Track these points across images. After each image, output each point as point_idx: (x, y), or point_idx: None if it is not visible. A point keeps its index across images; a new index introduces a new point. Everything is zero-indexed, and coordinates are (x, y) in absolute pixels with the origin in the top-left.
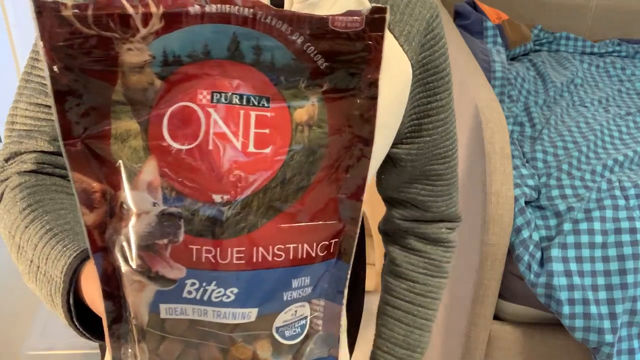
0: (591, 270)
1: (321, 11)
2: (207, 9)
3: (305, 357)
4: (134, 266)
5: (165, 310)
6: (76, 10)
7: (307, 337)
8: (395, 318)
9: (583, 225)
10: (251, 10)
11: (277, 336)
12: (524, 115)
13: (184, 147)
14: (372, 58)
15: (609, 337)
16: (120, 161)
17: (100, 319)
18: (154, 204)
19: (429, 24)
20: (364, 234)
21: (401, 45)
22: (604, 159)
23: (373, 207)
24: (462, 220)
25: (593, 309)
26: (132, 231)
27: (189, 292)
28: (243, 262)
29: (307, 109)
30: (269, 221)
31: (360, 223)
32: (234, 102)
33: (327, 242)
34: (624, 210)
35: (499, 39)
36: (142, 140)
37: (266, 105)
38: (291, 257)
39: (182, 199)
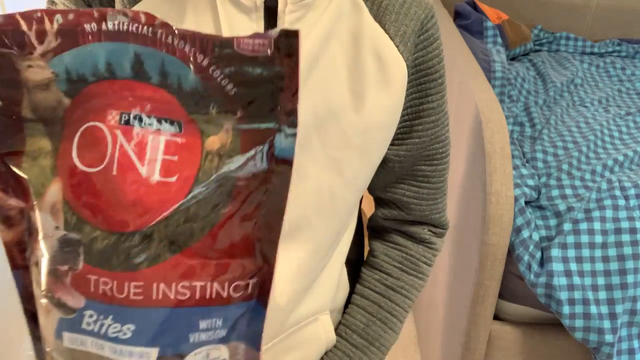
0: (591, 270)
1: (315, 13)
2: (104, 26)
3: None
4: (42, 289)
5: (68, 340)
6: None
7: None
8: (361, 306)
9: (583, 225)
10: (150, 28)
11: None
12: (524, 115)
13: (90, 170)
14: (287, 85)
15: (609, 337)
16: (29, 180)
17: None
18: (56, 228)
19: (423, 24)
20: (362, 233)
21: (397, 46)
22: (604, 159)
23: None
24: (449, 228)
25: (593, 309)
26: (39, 253)
27: (88, 324)
28: (141, 297)
29: (220, 136)
30: (172, 255)
31: (276, 263)
32: (143, 124)
33: (241, 283)
34: (624, 210)
35: (499, 39)
36: (51, 159)
37: (178, 130)
38: (197, 297)
39: (83, 225)
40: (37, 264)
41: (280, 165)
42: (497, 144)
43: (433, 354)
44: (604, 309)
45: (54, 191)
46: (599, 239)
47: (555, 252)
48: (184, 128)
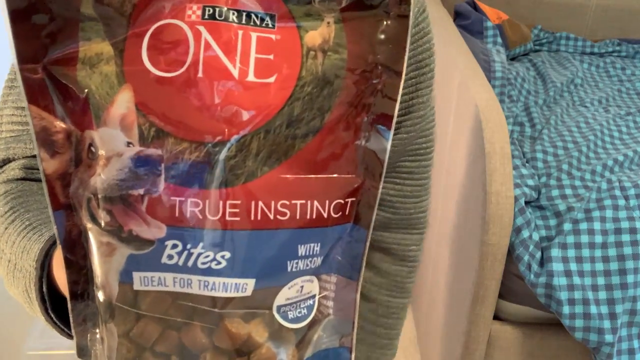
0: (591, 270)
1: None
2: None
3: (312, 346)
4: (102, 224)
5: (140, 280)
6: None
7: (314, 321)
8: (358, 339)
9: (583, 225)
10: None
11: (278, 317)
12: (524, 115)
13: (168, 75)
14: None
15: (609, 337)
16: (87, 90)
17: None
18: (128, 144)
19: (415, 17)
20: None
21: None
22: (604, 159)
23: None
24: (429, 228)
25: (593, 309)
26: (99, 179)
27: (170, 257)
28: (238, 219)
29: (321, 30)
30: (271, 170)
31: (382, 181)
32: (230, 19)
33: (342, 201)
34: (624, 210)
35: (499, 39)
36: (115, 65)
37: (270, 25)
38: (298, 217)
39: (164, 138)
40: (94, 194)
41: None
42: (497, 144)
43: (433, 354)
44: (604, 309)
45: (124, 101)
46: (599, 239)
47: (555, 252)
48: (278, 22)
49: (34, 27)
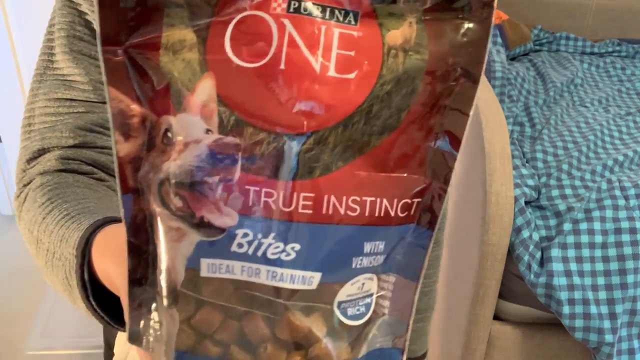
0: (591, 270)
1: None
2: None
3: (366, 345)
4: (173, 209)
5: (207, 267)
6: None
7: (370, 320)
8: None
9: (583, 225)
10: None
11: (338, 313)
12: (524, 115)
13: (250, 66)
14: None
15: (609, 337)
16: (170, 76)
17: (118, 299)
18: (207, 132)
19: None
20: None
21: None
22: (604, 159)
23: None
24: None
25: (593, 309)
26: (175, 165)
27: (240, 246)
28: (310, 212)
29: (402, 30)
30: (345, 165)
31: (449, 184)
32: (314, 14)
33: (408, 201)
34: (624, 210)
35: (499, 39)
36: (198, 53)
37: (353, 22)
38: (367, 214)
39: (243, 127)
40: (167, 178)
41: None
42: (497, 144)
43: (433, 354)
44: (604, 309)
45: (206, 87)
46: (599, 239)
47: (555, 252)
48: (360, 20)
49: (120, 11)
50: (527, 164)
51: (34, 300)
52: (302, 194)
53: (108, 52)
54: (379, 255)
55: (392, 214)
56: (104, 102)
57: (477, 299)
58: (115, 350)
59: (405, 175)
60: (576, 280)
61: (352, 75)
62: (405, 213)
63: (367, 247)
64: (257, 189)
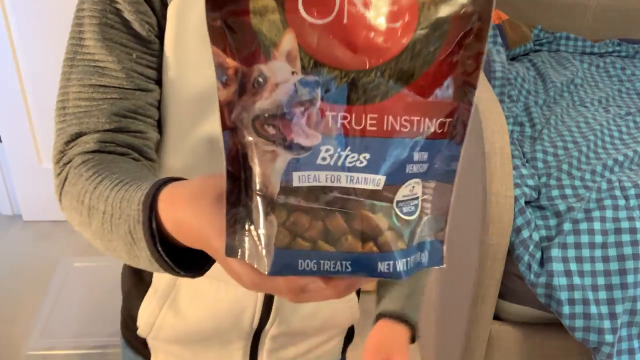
0: (591, 270)
1: None
2: None
3: (417, 237)
4: (268, 136)
5: (298, 178)
6: None
7: (419, 218)
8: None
9: (583, 225)
10: None
11: (397, 209)
12: (524, 115)
13: (320, 22)
14: None
15: (609, 337)
16: (260, 34)
17: (184, 250)
18: (293, 73)
19: None
20: None
21: None
22: (604, 159)
23: None
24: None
25: (593, 309)
26: (268, 102)
27: (323, 159)
28: (375, 128)
29: None
30: (397, 92)
31: (473, 106)
32: None
33: (443, 120)
34: (624, 210)
35: (499, 39)
36: (279, 14)
37: None
38: (415, 130)
39: (320, 67)
40: (261, 113)
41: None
42: (497, 144)
43: (433, 354)
44: (604, 309)
45: (289, 40)
46: (599, 239)
47: (555, 252)
48: None
49: None
50: (527, 164)
51: (34, 300)
52: (369, 115)
53: (210, 18)
54: (424, 163)
55: (432, 130)
56: (137, 89)
57: (477, 299)
58: (139, 322)
59: (439, 99)
60: (576, 280)
61: (397, 25)
62: (441, 130)
63: (416, 156)
64: (334, 113)
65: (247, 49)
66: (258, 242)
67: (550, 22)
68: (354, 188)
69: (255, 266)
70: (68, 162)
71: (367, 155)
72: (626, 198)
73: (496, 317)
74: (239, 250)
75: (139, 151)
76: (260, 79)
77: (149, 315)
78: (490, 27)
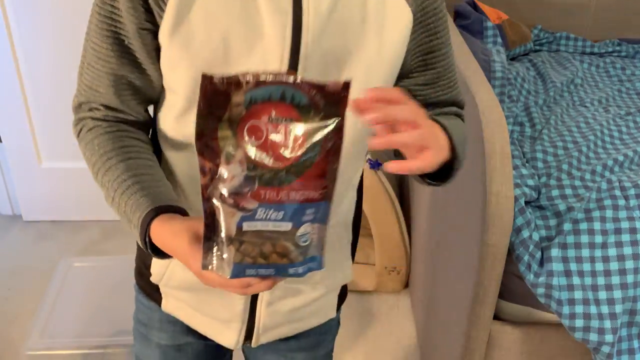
0: (591, 270)
1: None
2: (262, 78)
3: (309, 254)
4: (230, 203)
5: (247, 226)
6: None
7: (310, 244)
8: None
9: (583, 225)
10: (290, 77)
11: (297, 240)
12: (524, 115)
13: (256, 143)
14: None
15: (609, 337)
16: (223, 150)
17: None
18: (242, 170)
19: None
20: (361, 196)
21: None
22: (604, 159)
23: (373, 207)
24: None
25: (593, 309)
26: (228, 185)
27: (259, 215)
28: (286, 198)
29: (315, 126)
30: (296, 179)
31: (336, 182)
32: (280, 122)
33: (321, 191)
34: (624, 210)
35: (499, 39)
36: (234, 139)
37: (291, 122)
38: (308, 198)
39: (256, 168)
40: (224, 195)
41: (338, 133)
42: (497, 144)
43: (433, 354)
44: (604, 309)
45: (239, 153)
46: (599, 239)
47: (555, 252)
48: (296, 123)
49: (203, 122)
50: (527, 164)
51: (34, 300)
52: (282, 192)
53: (196, 141)
54: (312, 214)
55: (316, 197)
56: (130, 74)
57: (477, 299)
58: (152, 270)
59: (319, 181)
60: (576, 280)
61: (296, 146)
62: (321, 196)
63: (309, 211)
64: (264, 191)
65: (217, 157)
66: (222, 261)
67: (550, 22)
68: (276, 230)
69: (220, 274)
70: (83, 119)
71: (282, 213)
72: (626, 198)
73: (496, 317)
74: (210, 266)
75: (132, 124)
76: (224, 174)
77: (160, 266)
78: (342, 143)
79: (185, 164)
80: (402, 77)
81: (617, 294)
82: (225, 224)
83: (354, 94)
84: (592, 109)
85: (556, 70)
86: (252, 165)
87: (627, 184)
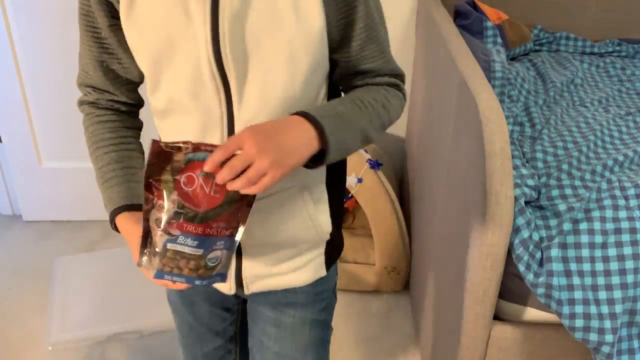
0: (591, 270)
1: None
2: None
3: (216, 271)
4: (161, 228)
5: (171, 245)
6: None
7: (218, 263)
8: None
9: (583, 225)
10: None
11: (207, 261)
12: (524, 115)
13: (189, 189)
14: None
15: (609, 337)
16: (164, 190)
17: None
18: (174, 207)
19: None
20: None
21: None
22: (604, 159)
23: (373, 207)
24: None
25: (593, 309)
26: (164, 217)
27: (179, 240)
28: (201, 231)
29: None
30: (212, 220)
31: (245, 223)
32: (208, 177)
33: (232, 230)
34: (624, 210)
35: (499, 39)
36: (172, 184)
37: (211, 176)
38: (219, 232)
39: (184, 207)
40: (158, 220)
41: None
42: (497, 144)
43: (433, 354)
44: (604, 309)
45: (174, 195)
46: (598, 239)
47: (555, 252)
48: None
49: (151, 170)
50: (527, 164)
51: (34, 300)
52: (199, 227)
53: (145, 181)
54: (222, 243)
55: (227, 233)
56: (109, 60)
57: (477, 299)
58: None
59: (230, 220)
60: (576, 280)
61: (218, 194)
62: (230, 232)
63: (219, 241)
64: (187, 225)
65: (158, 194)
66: (150, 264)
67: (550, 22)
68: (191, 253)
69: (148, 273)
70: (82, 103)
71: (197, 242)
72: (626, 198)
73: (496, 317)
74: (141, 265)
75: (123, 108)
76: (161, 206)
77: None
78: (250, 210)
79: (169, 129)
80: (334, 49)
81: (617, 294)
82: (155, 241)
83: (281, 67)
84: (592, 109)
85: (556, 70)
86: (181, 205)
87: (627, 184)
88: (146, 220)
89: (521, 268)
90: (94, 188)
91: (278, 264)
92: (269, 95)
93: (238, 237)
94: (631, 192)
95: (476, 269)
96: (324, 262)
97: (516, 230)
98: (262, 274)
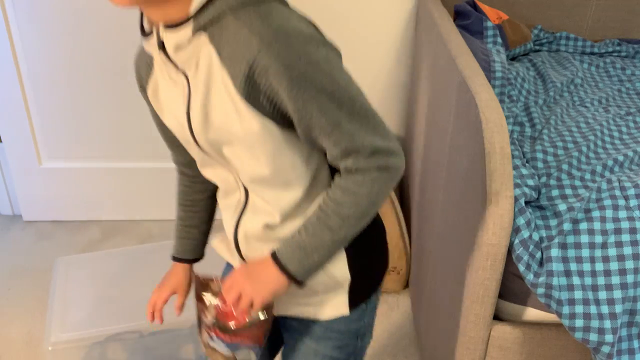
0: (591, 270)
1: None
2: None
3: None
4: (205, 327)
5: (210, 342)
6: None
7: (248, 358)
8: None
9: (583, 225)
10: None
11: (237, 357)
12: (524, 115)
13: (222, 307)
14: None
15: (609, 337)
16: (208, 304)
17: None
18: (212, 318)
19: (251, 66)
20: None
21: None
22: (604, 159)
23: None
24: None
25: (593, 309)
26: (206, 320)
27: (215, 340)
28: (230, 341)
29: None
30: (239, 334)
31: (262, 342)
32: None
33: (256, 342)
34: (624, 210)
35: (499, 39)
36: (215, 300)
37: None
38: (243, 344)
39: (218, 320)
40: (206, 321)
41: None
42: (497, 144)
43: (433, 354)
44: (604, 309)
45: (212, 310)
46: (598, 239)
47: (555, 252)
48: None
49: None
50: (527, 164)
51: (34, 300)
52: (229, 336)
53: (196, 297)
54: (247, 349)
55: (250, 344)
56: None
57: (477, 299)
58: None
59: (255, 335)
60: (576, 280)
61: (241, 322)
62: (257, 343)
63: (243, 347)
64: (218, 334)
65: (204, 306)
66: (202, 341)
67: (550, 22)
68: (223, 352)
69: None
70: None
71: (225, 345)
72: (626, 198)
73: (496, 317)
74: (199, 335)
75: (192, 173)
76: (206, 314)
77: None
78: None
79: (208, 176)
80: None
81: (617, 294)
82: (203, 334)
83: (245, 153)
84: (592, 109)
85: (556, 70)
86: (216, 319)
87: (627, 184)
88: (198, 319)
89: (521, 268)
90: (94, 188)
91: (295, 298)
92: (247, 172)
93: (262, 344)
94: (631, 192)
95: (476, 269)
96: (347, 302)
97: (516, 230)
98: (283, 300)
